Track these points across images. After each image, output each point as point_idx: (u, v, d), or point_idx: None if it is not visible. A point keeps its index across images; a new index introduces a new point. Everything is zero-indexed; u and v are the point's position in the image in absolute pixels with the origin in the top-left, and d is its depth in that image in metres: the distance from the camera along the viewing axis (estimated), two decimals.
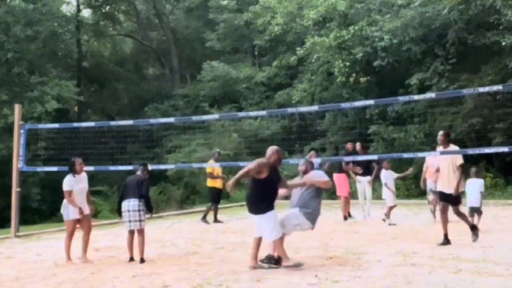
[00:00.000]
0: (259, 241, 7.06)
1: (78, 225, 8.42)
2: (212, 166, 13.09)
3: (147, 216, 8.34)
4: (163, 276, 6.73)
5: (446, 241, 8.19)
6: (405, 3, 18.24)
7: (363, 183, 12.30)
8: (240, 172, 6.93)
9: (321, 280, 6.12)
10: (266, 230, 6.90)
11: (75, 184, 8.36)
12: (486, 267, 6.56)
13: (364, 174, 12.19)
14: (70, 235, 8.29)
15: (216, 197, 13.28)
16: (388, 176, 11.64)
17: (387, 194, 11.55)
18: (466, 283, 5.79)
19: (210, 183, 13.33)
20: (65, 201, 8.26)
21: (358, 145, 12.45)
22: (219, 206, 13.68)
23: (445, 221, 8.30)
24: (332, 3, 19.21)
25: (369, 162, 12.23)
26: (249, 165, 6.99)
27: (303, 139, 18.96)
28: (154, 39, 32.71)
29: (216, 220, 13.07)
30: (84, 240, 8.30)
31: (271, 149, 7.22)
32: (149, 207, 8.12)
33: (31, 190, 21.53)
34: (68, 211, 8.22)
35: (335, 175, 12.12)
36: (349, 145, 12.62)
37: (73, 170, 8.40)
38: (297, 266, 6.78)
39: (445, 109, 17.35)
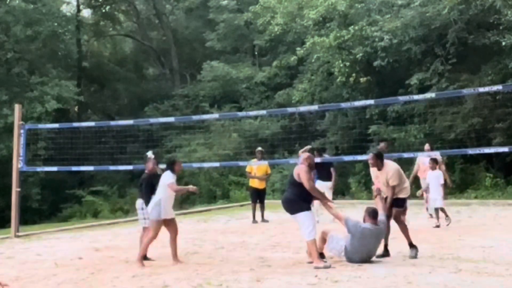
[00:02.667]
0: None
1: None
2: (251, 165, 13.09)
3: None
4: (163, 276, 6.73)
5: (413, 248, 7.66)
6: (405, 3, 18.24)
7: (324, 188, 11.99)
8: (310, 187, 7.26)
9: (321, 280, 6.12)
10: (305, 229, 7.16)
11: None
12: (486, 267, 6.56)
13: (325, 179, 11.96)
14: (155, 236, 7.73)
15: (253, 196, 13.17)
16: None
17: None
18: (466, 283, 5.80)
19: (249, 181, 13.52)
20: (156, 199, 7.68)
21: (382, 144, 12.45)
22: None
23: (404, 228, 7.80)
24: (332, 3, 19.20)
25: (330, 166, 12.13)
26: (304, 179, 7.21)
27: (303, 139, 18.91)
28: (154, 39, 32.70)
29: (254, 220, 12.79)
30: (173, 242, 7.84)
31: (303, 156, 7.65)
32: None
33: (31, 190, 21.54)
34: (160, 210, 7.64)
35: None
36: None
37: (172, 170, 7.89)
38: (326, 267, 6.88)
39: (445, 109, 17.35)
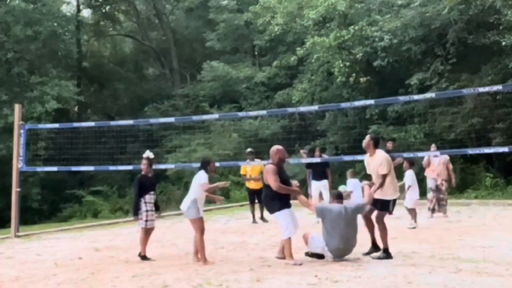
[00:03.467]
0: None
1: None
2: (245, 167, 13.10)
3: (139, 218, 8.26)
4: (163, 276, 6.73)
5: (374, 249, 7.65)
6: (405, 3, 18.24)
7: (319, 187, 12.01)
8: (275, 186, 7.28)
9: (321, 280, 6.12)
10: (281, 227, 7.35)
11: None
12: (486, 267, 6.56)
13: (319, 178, 11.99)
14: (202, 232, 7.74)
15: (250, 197, 13.18)
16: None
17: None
18: (466, 283, 5.80)
19: (246, 183, 13.63)
20: (192, 198, 7.71)
21: (316, 151, 12.35)
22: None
23: (371, 227, 7.77)
24: (332, 3, 19.20)
25: (325, 166, 12.10)
26: (269, 181, 7.30)
27: (303, 139, 18.93)
28: (154, 39, 32.69)
29: (254, 220, 12.82)
30: (197, 240, 7.80)
31: (272, 150, 7.59)
32: (133, 210, 8.26)
33: (31, 190, 21.53)
34: (197, 209, 7.71)
35: None
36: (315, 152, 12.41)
37: (206, 169, 7.88)
38: (296, 264, 7.06)
39: (445, 109, 17.36)
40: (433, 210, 12.03)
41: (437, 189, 12.04)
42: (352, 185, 11.44)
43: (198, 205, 7.71)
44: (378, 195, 7.58)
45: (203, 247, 7.68)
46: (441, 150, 14.95)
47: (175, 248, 9.30)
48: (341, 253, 7.29)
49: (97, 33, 31.65)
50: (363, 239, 7.63)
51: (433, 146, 12.54)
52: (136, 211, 8.18)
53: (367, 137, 7.79)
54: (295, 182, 7.85)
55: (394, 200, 7.76)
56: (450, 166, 12.41)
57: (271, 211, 7.51)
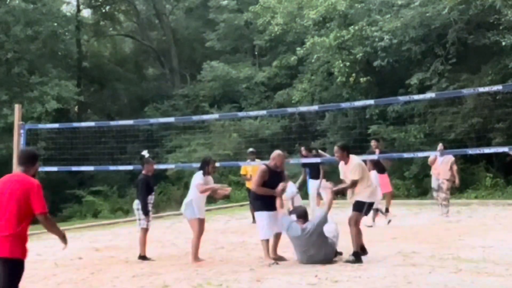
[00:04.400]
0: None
1: None
2: (245, 167, 13.12)
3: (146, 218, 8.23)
4: (163, 276, 6.74)
5: (362, 252, 7.48)
6: (405, 3, 18.22)
7: (316, 186, 11.79)
8: (254, 186, 7.68)
9: (321, 280, 6.12)
10: (258, 228, 7.68)
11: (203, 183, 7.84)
12: (486, 267, 6.56)
13: (316, 177, 11.79)
14: (200, 234, 7.76)
15: (250, 197, 13.17)
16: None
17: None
18: (466, 283, 5.80)
19: (246, 184, 13.71)
20: (188, 199, 7.80)
21: (303, 150, 12.26)
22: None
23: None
24: (332, 3, 19.20)
25: (319, 165, 12.05)
26: (256, 178, 7.62)
27: (303, 139, 18.91)
28: (154, 39, 32.69)
29: (254, 220, 12.79)
30: (193, 239, 7.87)
31: (273, 154, 7.75)
32: (143, 210, 8.17)
33: None
34: (193, 209, 7.73)
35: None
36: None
37: (205, 170, 7.89)
38: (269, 265, 7.19)
39: (445, 109, 17.35)
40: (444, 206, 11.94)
41: (439, 188, 12.00)
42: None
43: (194, 206, 7.75)
44: (354, 198, 7.43)
45: (196, 247, 7.77)
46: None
47: (175, 248, 9.31)
48: (308, 262, 7.18)
49: (97, 33, 31.63)
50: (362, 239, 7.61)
51: (440, 145, 12.21)
52: (147, 211, 8.13)
53: (336, 148, 7.65)
54: (328, 184, 8.08)
55: (370, 204, 7.55)
56: (455, 167, 12.10)
57: (254, 209, 8.16)
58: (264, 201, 7.47)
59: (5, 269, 4.34)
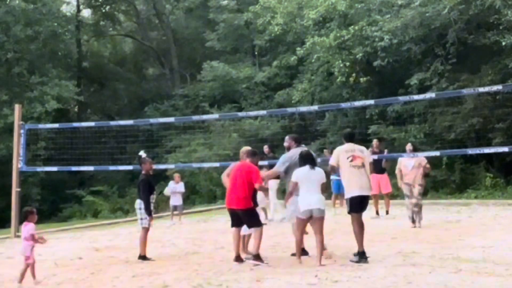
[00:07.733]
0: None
1: None
2: None
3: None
4: (163, 276, 6.73)
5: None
6: (405, 3, 18.23)
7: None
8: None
9: (321, 280, 6.12)
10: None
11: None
12: (486, 267, 6.56)
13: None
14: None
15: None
16: None
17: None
18: (466, 283, 5.79)
19: None
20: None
21: (266, 148, 12.25)
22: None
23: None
24: (332, 3, 19.21)
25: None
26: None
27: (303, 139, 18.94)
28: (154, 39, 32.72)
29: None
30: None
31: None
32: (147, 211, 8.18)
33: (31, 190, 21.55)
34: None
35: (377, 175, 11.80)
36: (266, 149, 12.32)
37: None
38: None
39: (445, 109, 17.35)
40: (412, 220, 10.49)
41: (411, 194, 10.52)
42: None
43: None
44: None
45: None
46: (441, 150, 14.99)
47: (175, 248, 9.30)
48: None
49: (97, 33, 31.67)
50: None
51: (408, 145, 11.09)
52: (150, 211, 8.15)
53: (324, 151, 7.89)
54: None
55: (353, 198, 7.23)
56: (428, 166, 10.70)
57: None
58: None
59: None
